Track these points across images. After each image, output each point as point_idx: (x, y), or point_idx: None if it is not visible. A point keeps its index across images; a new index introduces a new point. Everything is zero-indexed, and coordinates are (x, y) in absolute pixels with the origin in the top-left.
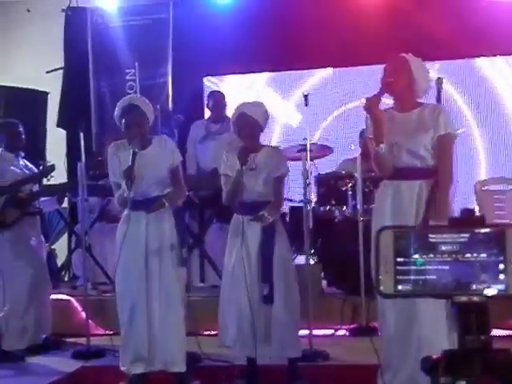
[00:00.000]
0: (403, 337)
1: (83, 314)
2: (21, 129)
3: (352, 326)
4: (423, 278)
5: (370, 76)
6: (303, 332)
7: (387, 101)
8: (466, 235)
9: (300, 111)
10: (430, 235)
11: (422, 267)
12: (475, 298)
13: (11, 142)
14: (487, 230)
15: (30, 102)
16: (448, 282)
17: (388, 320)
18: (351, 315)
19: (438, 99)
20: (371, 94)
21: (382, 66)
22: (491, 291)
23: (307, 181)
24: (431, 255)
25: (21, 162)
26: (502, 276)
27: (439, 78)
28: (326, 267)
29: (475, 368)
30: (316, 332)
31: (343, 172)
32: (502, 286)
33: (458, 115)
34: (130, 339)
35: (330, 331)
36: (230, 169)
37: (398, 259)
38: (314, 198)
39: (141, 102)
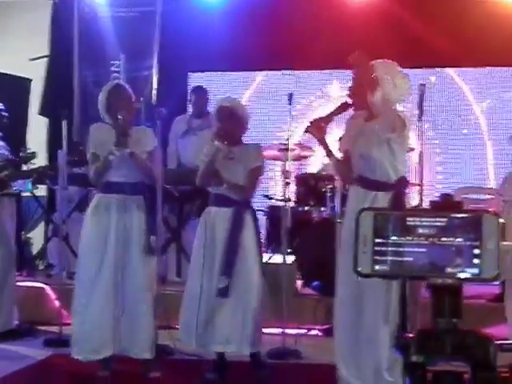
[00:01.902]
0: (352, 333)
1: (56, 303)
2: (1, 107)
3: (325, 327)
4: (400, 259)
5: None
6: (276, 330)
7: None
8: (444, 219)
9: (284, 111)
10: (408, 218)
11: (400, 249)
12: (449, 281)
13: None
14: (464, 215)
15: (12, 88)
16: (424, 264)
17: (338, 316)
18: (324, 315)
19: (420, 105)
20: (318, 116)
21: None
22: (465, 274)
23: (286, 180)
24: (409, 238)
25: (0, 143)
26: (476, 260)
27: (422, 83)
28: (302, 267)
29: (446, 348)
30: (289, 331)
31: (324, 173)
32: (476, 270)
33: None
34: (89, 326)
35: (302, 331)
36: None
37: (377, 240)
38: (293, 197)
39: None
